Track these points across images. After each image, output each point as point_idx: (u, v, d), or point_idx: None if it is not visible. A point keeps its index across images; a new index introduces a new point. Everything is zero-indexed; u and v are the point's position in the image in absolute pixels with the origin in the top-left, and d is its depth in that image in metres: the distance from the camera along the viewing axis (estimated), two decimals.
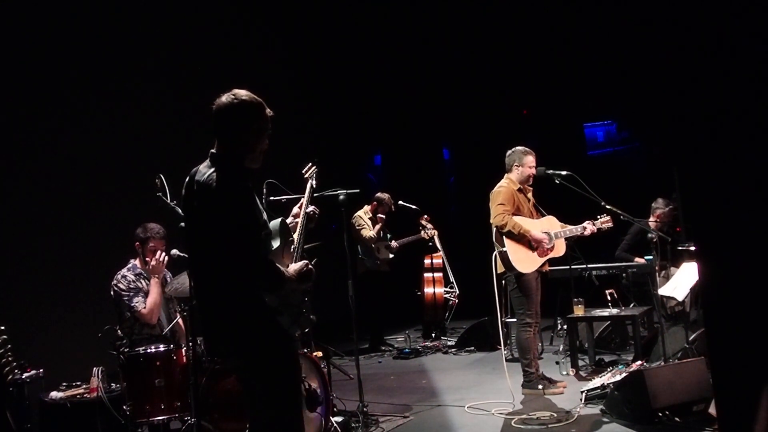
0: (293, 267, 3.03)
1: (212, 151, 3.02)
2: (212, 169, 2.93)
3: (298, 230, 3.42)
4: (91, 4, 6.70)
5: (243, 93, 3.02)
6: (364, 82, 11.03)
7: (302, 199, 3.62)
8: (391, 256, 8.12)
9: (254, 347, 2.94)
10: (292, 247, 3.26)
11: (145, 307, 4.53)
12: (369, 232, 7.88)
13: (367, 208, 8.09)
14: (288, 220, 3.37)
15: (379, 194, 8.11)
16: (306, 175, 3.80)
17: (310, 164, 3.86)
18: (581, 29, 10.14)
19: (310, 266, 3.04)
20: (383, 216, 8.01)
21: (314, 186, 3.72)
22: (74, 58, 6.43)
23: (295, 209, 3.55)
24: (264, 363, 2.97)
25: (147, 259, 4.63)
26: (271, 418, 3.00)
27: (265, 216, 3.04)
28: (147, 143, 6.88)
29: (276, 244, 3.06)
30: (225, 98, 3.01)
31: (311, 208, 3.57)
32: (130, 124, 6.84)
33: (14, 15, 6.00)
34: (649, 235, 5.79)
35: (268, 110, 3.04)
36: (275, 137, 3.16)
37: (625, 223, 6.02)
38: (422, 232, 8.20)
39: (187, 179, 3.06)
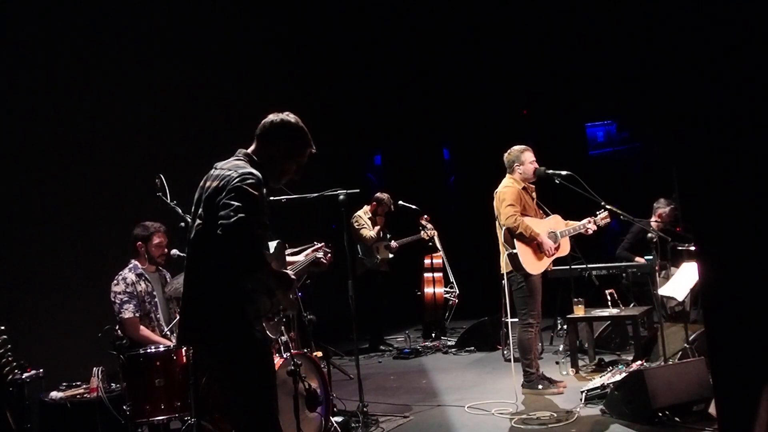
0: (278, 270, 3.10)
1: (243, 150, 3.16)
2: (237, 160, 3.09)
3: (293, 267, 3.65)
4: (92, 4, 6.71)
5: (289, 115, 3.19)
6: (364, 82, 11.02)
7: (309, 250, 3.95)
8: (390, 256, 8.10)
9: (216, 335, 2.96)
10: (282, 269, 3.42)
11: (131, 316, 4.48)
12: (369, 232, 7.86)
13: (366, 208, 8.07)
14: (289, 259, 3.64)
15: (378, 194, 8.09)
16: (317, 245, 3.97)
17: (324, 245, 4.05)
18: (580, 29, 10.14)
19: (294, 278, 3.09)
20: (382, 216, 8.00)
21: (317, 258, 3.92)
22: (73, 58, 6.43)
23: (301, 257, 3.81)
24: (226, 354, 2.98)
25: (153, 254, 4.65)
26: (243, 420, 3.00)
27: (267, 219, 3.11)
28: (147, 143, 6.88)
29: (270, 251, 3.22)
30: (273, 113, 3.17)
31: (324, 260, 3.86)
32: (130, 124, 6.84)
33: (16, 14, 6.00)
34: (649, 235, 5.79)
35: (305, 140, 3.19)
36: None
37: (626, 223, 6.03)
38: (422, 232, 8.18)
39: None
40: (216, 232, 2.81)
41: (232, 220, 2.77)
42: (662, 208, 7.17)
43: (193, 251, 3.08)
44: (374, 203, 8.03)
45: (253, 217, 2.86)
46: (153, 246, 4.65)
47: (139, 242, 4.68)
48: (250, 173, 2.94)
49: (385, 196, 8.04)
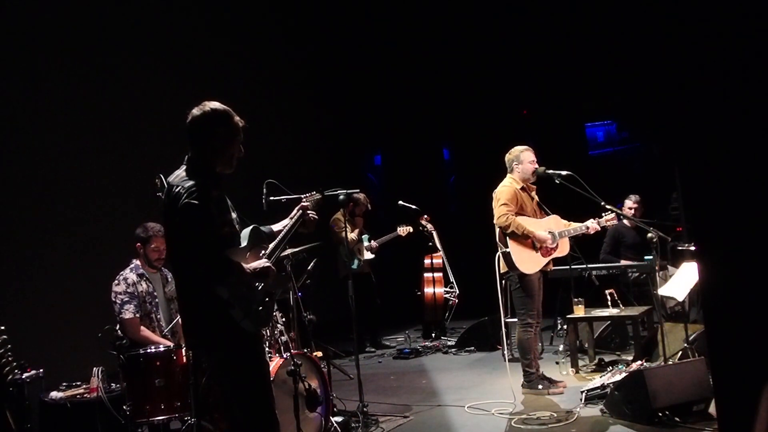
0: (251, 264, 3.14)
1: (188, 155, 3.23)
2: (183, 170, 3.17)
3: (281, 236, 3.52)
4: (93, 3, 6.70)
5: (211, 102, 3.22)
6: (364, 82, 11.02)
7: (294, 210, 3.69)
8: (371, 256, 8.01)
9: (208, 339, 3.10)
10: (262, 252, 3.35)
11: (132, 316, 4.49)
12: (349, 234, 7.74)
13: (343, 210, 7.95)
14: (276, 227, 3.53)
15: (354, 194, 7.92)
16: (304, 200, 3.78)
17: (315, 192, 3.92)
18: (580, 29, 10.14)
19: (269, 266, 3.14)
20: (361, 216, 7.92)
21: (306, 207, 3.67)
22: (73, 58, 6.42)
23: (286, 220, 3.67)
24: (220, 356, 3.11)
25: (150, 258, 4.64)
26: (240, 419, 3.04)
27: (234, 215, 3.22)
28: (147, 143, 6.87)
29: (243, 244, 3.23)
30: (195, 109, 3.20)
31: (312, 213, 3.64)
32: (130, 124, 6.84)
33: (16, 14, 6.00)
34: (649, 235, 5.79)
35: (237, 118, 3.22)
36: (276, 137, 3.22)
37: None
38: (399, 229, 8.06)
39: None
40: (184, 249, 3.01)
41: (194, 254, 2.95)
42: (626, 206, 7.22)
43: (173, 260, 3.24)
44: (350, 204, 7.90)
45: (210, 230, 2.99)
46: (150, 249, 4.64)
47: (138, 243, 4.68)
48: (192, 186, 3.02)
49: (361, 195, 7.87)
